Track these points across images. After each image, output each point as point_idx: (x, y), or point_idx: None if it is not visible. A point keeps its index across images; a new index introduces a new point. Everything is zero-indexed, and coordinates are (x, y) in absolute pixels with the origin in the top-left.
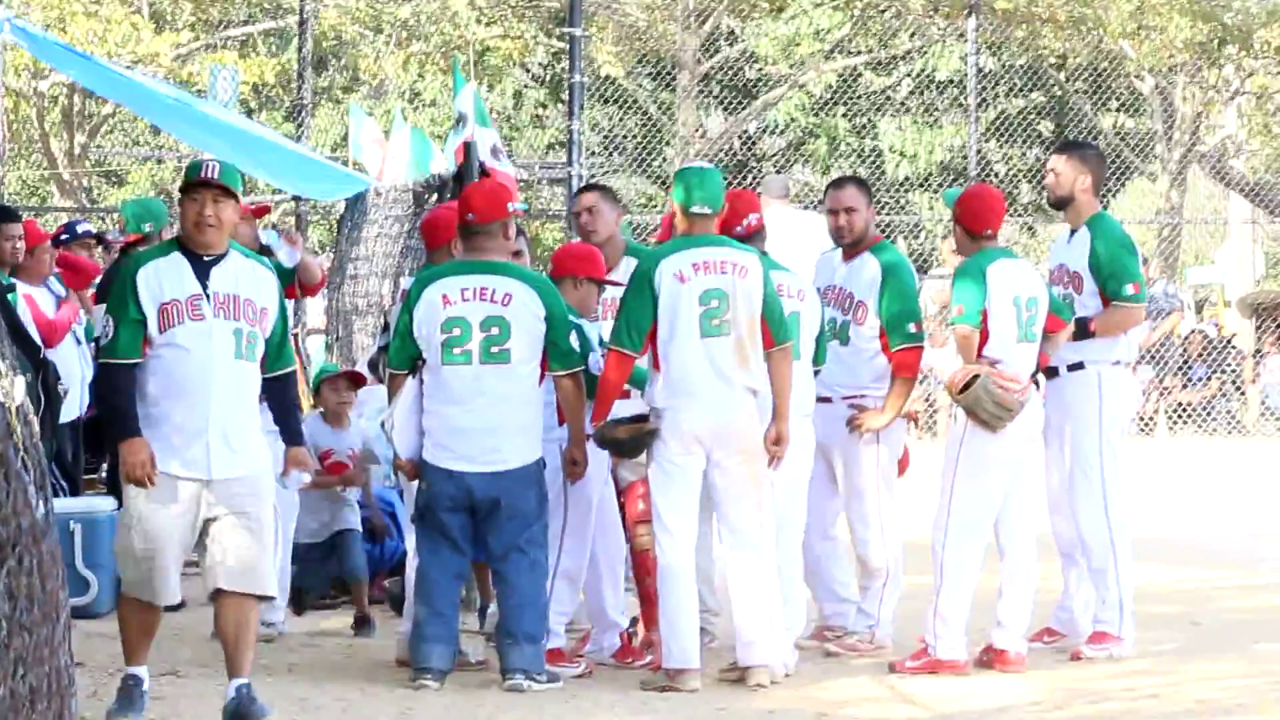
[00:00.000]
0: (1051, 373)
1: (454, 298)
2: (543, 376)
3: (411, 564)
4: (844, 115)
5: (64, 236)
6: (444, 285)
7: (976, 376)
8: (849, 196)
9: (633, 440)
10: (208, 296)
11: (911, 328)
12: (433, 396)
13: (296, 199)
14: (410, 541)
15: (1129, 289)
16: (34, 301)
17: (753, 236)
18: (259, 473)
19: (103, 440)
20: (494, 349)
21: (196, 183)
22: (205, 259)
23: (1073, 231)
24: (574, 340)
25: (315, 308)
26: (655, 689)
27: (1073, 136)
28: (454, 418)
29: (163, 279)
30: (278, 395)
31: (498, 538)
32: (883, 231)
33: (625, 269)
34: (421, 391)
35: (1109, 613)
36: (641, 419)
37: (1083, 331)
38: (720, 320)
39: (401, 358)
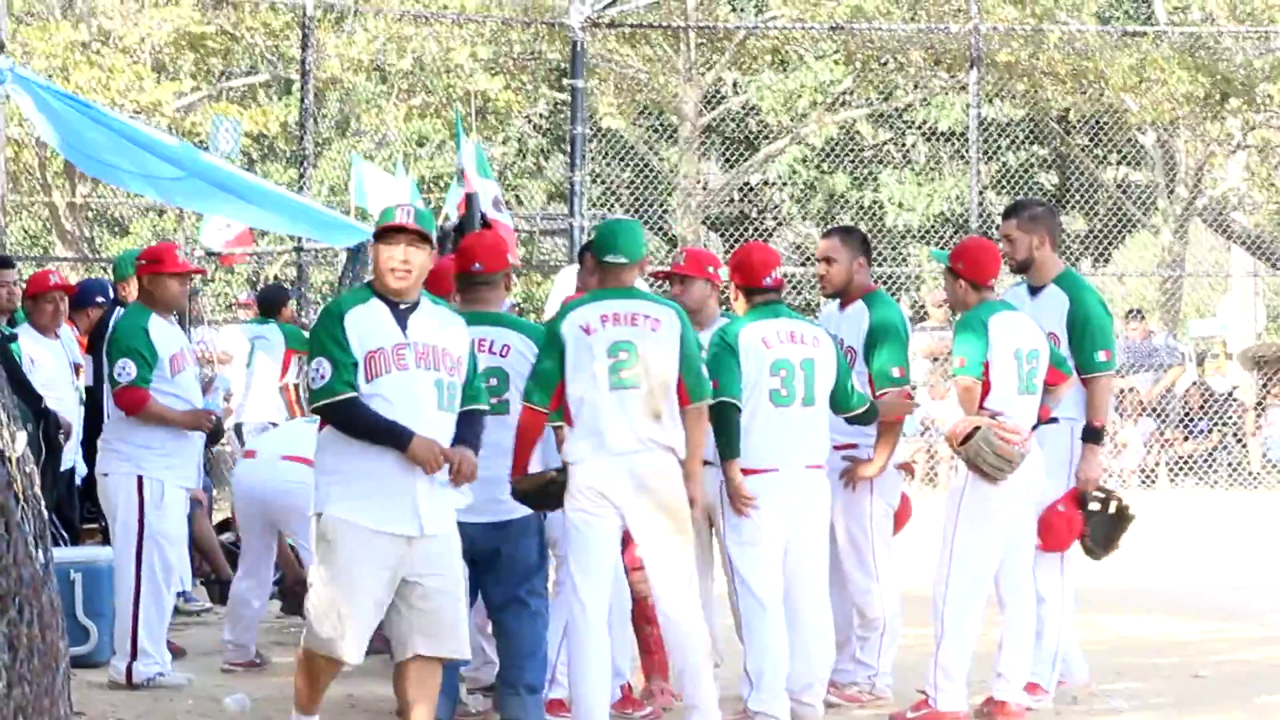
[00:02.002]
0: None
1: None
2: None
3: None
4: (845, 168)
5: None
6: None
7: (977, 428)
8: (828, 247)
9: (536, 492)
10: (409, 346)
11: (895, 372)
12: None
13: (298, 249)
14: None
15: (1100, 356)
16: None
17: (778, 289)
18: (454, 528)
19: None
20: (493, 400)
21: (393, 229)
22: (402, 307)
23: (1035, 289)
24: None
25: None
26: None
27: (1074, 189)
28: None
29: (367, 326)
30: (462, 428)
31: (498, 588)
32: (885, 283)
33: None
34: None
35: (1042, 665)
36: (548, 471)
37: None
38: (629, 373)
39: None
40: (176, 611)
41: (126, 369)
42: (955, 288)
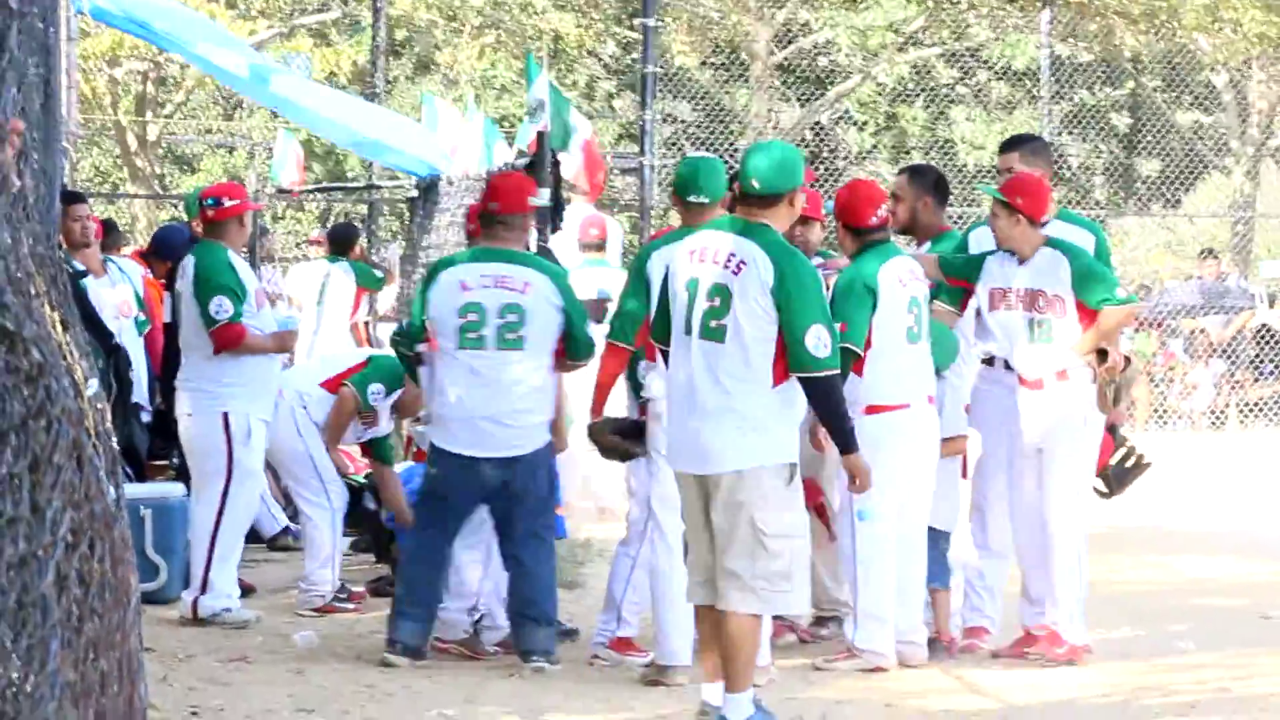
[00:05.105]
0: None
1: (472, 284)
2: (559, 365)
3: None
4: (918, 106)
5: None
6: (462, 271)
7: (1129, 360)
8: (897, 184)
9: (610, 448)
10: None
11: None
12: (446, 381)
13: (370, 186)
14: None
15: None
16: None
17: (884, 228)
18: None
19: (170, 429)
20: (509, 335)
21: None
22: None
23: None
24: (589, 330)
25: (387, 295)
26: (647, 683)
27: (1147, 130)
28: (467, 402)
29: None
30: None
31: (512, 523)
32: (956, 224)
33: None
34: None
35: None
36: (636, 430)
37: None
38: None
39: (410, 343)
40: (287, 549)
41: (223, 306)
42: (1011, 223)
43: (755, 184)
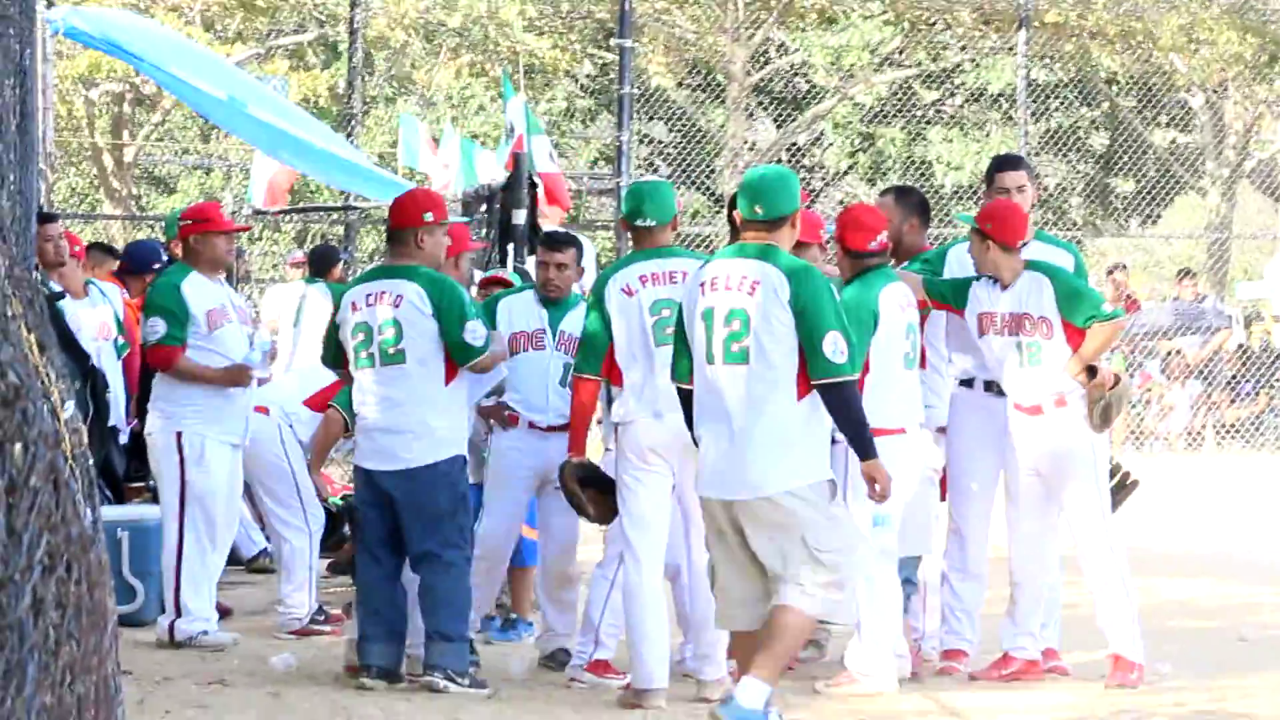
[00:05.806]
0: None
1: (360, 304)
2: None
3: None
4: (894, 128)
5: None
6: (354, 293)
7: (1118, 378)
8: (882, 205)
9: (572, 496)
10: None
11: None
12: (353, 400)
13: (346, 207)
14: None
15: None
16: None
17: (883, 253)
18: None
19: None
20: (390, 350)
21: None
22: None
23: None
24: (472, 333)
25: None
26: (625, 705)
27: (1123, 150)
28: (365, 418)
29: None
30: None
31: (410, 538)
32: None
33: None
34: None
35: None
36: (605, 487)
37: None
38: (671, 330)
39: (332, 361)
40: (265, 571)
41: (156, 327)
42: (982, 249)
43: (759, 210)
